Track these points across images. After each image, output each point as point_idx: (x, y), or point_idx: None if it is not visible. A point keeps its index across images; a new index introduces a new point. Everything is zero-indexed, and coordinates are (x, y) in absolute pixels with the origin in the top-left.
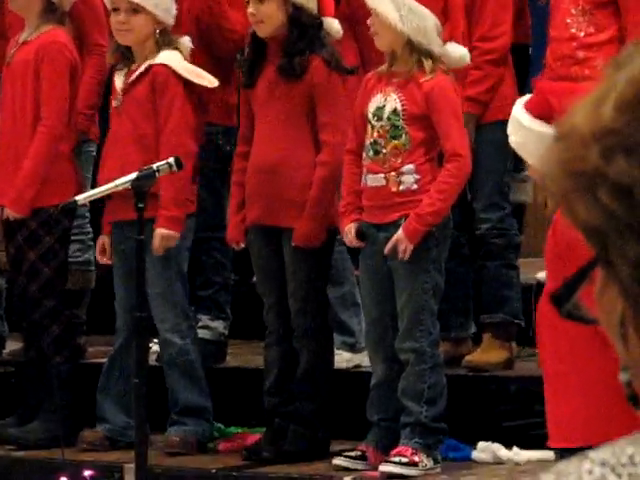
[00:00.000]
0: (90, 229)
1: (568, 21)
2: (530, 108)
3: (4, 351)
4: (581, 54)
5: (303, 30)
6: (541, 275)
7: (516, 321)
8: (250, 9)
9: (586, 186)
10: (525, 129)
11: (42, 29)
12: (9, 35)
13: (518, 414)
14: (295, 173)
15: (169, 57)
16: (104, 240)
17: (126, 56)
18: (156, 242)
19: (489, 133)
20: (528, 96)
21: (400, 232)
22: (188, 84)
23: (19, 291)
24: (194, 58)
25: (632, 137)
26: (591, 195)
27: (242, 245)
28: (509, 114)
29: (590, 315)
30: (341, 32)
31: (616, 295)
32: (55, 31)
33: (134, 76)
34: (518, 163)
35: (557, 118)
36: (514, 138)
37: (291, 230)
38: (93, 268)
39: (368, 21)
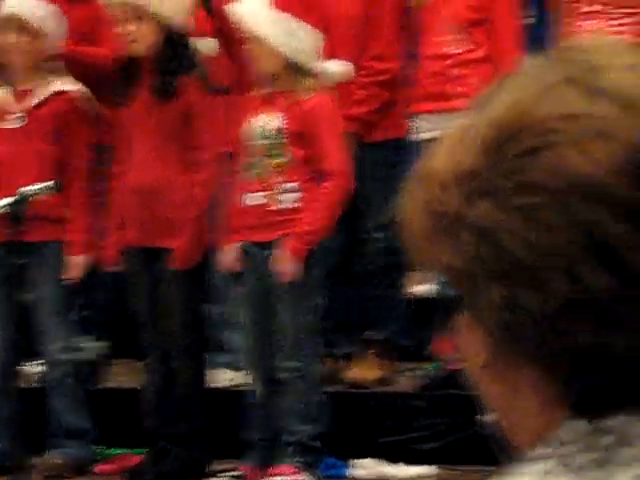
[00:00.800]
0: None
1: (443, 39)
2: None
3: None
4: (455, 71)
5: (176, 50)
6: (417, 289)
7: (397, 340)
8: (125, 28)
9: (448, 229)
10: None
11: None
12: None
13: (397, 430)
14: (171, 194)
15: (71, 85)
16: None
17: (5, 77)
18: (75, 271)
19: (379, 152)
20: None
21: (283, 252)
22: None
23: None
24: None
25: (493, 180)
26: (454, 238)
27: (118, 267)
28: (399, 134)
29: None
30: (215, 50)
31: (480, 338)
32: None
33: (38, 99)
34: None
35: None
36: None
37: (168, 250)
38: None
39: (245, 46)
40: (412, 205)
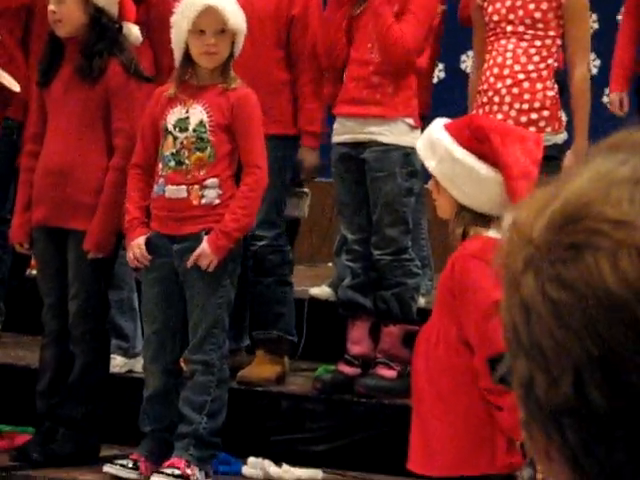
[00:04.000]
0: None
1: (369, 45)
2: (458, 137)
3: None
4: (376, 79)
5: (103, 32)
6: (314, 291)
7: (288, 337)
8: (51, 7)
9: (509, 286)
10: (458, 162)
11: None
12: None
13: (288, 430)
14: (87, 176)
15: None
16: None
17: None
18: None
19: (270, 151)
20: (443, 120)
21: (205, 246)
22: None
23: None
24: None
25: (544, 258)
26: (509, 298)
27: (26, 246)
28: (285, 129)
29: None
30: (140, 38)
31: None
32: None
33: None
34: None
35: (497, 156)
36: (439, 166)
37: (78, 232)
38: None
39: (212, 40)
40: (501, 247)
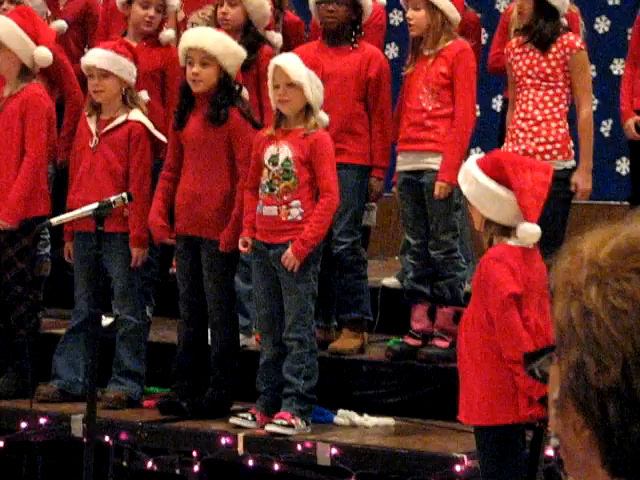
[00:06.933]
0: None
1: (420, 97)
2: (484, 168)
3: None
4: (429, 123)
5: (228, 90)
6: (387, 281)
7: (366, 317)
8: (195, 69)
9: (569, 295)
10: (480, 185)
11: (21, 85)
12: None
13: (367, 387)
14: (216, 196)
15: (141, 116)
16: (68, 245)
17: (96, 107)
18: (135, 261)
19: (351, 177)
20: (478, 155)
21: (289, 252)
22: (151, 136)
23: None
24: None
25: (608, 277)
26: (568, 303)
27: (168, 240)
28: (365, 162)
29: (544, 379)
30: (248, 95)
31: (557, 376)
32: (33, 86)
33: (112, 125)
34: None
35: (510, 181)
36: (468, 188)
37: (209, 240)
38: (49, 259)
39: (281, 91)
40: (558, 267)
